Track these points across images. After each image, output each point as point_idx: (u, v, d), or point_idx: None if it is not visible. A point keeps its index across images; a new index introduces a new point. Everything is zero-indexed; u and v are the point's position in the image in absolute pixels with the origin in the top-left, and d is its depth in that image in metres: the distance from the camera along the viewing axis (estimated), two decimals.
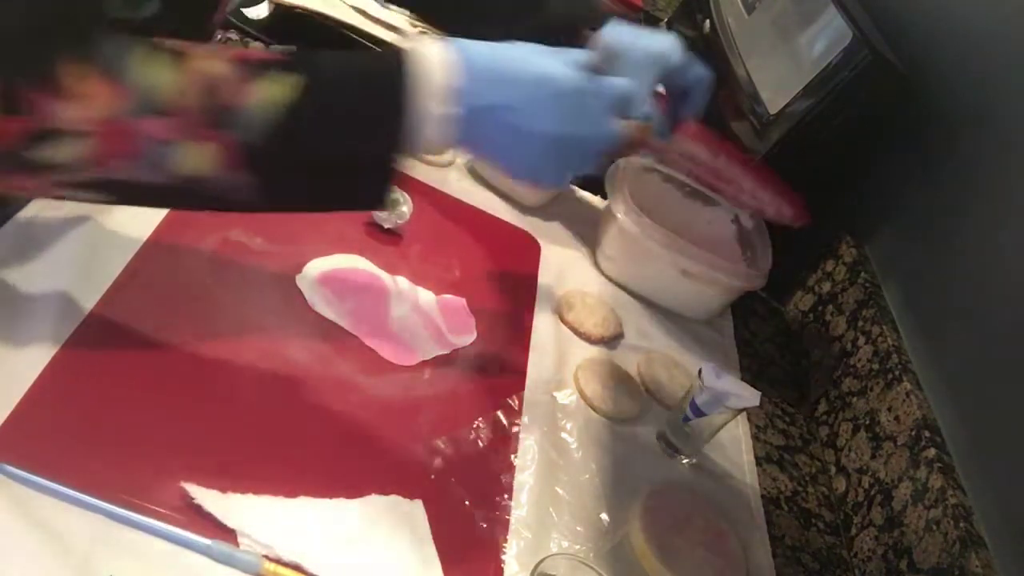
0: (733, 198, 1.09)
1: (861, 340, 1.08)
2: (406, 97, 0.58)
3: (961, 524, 0.82)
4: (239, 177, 0.57)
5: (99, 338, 0.68)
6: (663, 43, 0.81)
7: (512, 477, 0.76)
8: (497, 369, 0.86)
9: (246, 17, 1.09)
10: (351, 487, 0.68)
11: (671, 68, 0.81)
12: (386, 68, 0.60)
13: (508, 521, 0.72)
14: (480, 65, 0.61)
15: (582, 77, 0.63)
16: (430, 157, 1.03)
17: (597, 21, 0.89)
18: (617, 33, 0.81)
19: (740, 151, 0.98)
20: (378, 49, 1.10)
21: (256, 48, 0.52)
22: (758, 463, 0.96)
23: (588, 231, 1.11)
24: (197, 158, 0.55)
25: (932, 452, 0.89)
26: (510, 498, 0.74)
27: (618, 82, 0.65)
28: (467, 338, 0.87)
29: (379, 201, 0.63)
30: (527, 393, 0.85)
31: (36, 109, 0.50)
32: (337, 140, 0.58)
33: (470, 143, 0.63)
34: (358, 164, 0.60)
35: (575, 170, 0.67)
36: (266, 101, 0.55)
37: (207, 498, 0.61)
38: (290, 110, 0.56)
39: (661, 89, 0.83)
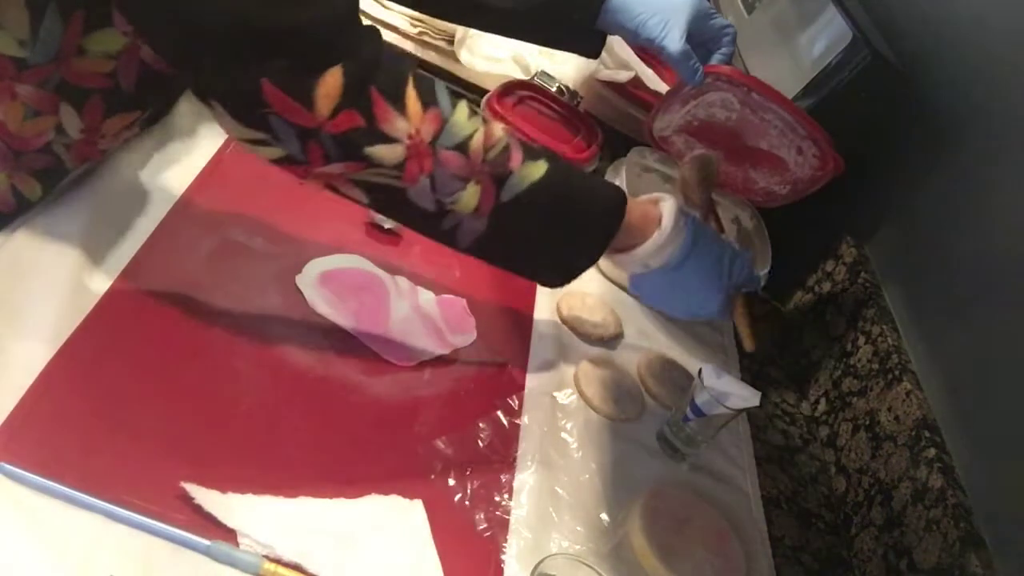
0: (776, 137, 1.06)
1: (861, 340, 1.08)
2: (621, 221, 0.72)
3: (961, 524, 0.82)
4: (476, 224, 0.67)
5: (99, 338, 0.68)
6: None
7: (512, 477, 0.76)
8: (497, 369, 0.86)
9: None
10: (351, 487, 0.68)
11: (697, 15, 0.93)
12: (615, 192, 0.74)
13: (508, 521, 0.72)
14: (695, 233, 0.76)
15: (732, 252, 0.81)
16: None
17: (594, 7, 0.91)
18: None
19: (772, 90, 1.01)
20: None
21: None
22: (758, 463, 0.96)
23: None
24: (470, 199, 0.65)
25: (932, 452, 0.89)
26: (510, 498, 0.74)
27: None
28: (467, 338, 0.87)
29: (557, 284, 0.76)
30: (527, 393, 0.85)
31: (376, 111, 0.59)
32: (551, 227, 0.70)
33: (650, 283, 0.78)
34: (561, 250, 0.72)
35: (716, 306, 0.82)
36: (525, 174, 0.67)
37: (207, 498, 0.61)
38: (535, 186, 0.67)
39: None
